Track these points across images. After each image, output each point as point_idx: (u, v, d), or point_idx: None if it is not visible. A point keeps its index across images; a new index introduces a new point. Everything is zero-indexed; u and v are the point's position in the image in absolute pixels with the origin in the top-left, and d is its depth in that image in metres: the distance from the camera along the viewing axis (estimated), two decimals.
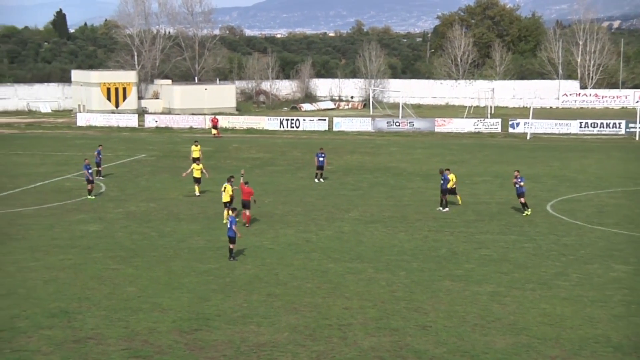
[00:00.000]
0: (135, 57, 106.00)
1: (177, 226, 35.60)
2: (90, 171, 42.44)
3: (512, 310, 23.93)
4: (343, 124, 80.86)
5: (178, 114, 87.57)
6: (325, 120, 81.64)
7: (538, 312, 23.76)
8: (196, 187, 42.81)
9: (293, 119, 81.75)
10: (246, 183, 36.67)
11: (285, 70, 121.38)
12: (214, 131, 74.93)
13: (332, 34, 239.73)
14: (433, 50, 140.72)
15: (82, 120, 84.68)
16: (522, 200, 38.06)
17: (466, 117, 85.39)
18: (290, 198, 42.72)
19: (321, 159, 47.86)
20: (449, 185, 39.42)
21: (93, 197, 42.25)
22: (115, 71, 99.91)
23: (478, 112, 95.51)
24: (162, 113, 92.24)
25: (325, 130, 79.62)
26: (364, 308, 24.02)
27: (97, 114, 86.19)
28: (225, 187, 36.47)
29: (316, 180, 48.00)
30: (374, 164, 56.28)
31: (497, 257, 30.36)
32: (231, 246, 29.68)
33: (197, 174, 42.77)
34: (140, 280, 26.99)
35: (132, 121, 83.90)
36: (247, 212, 35.85)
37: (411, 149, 65.28)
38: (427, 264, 29.16)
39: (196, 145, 50.51)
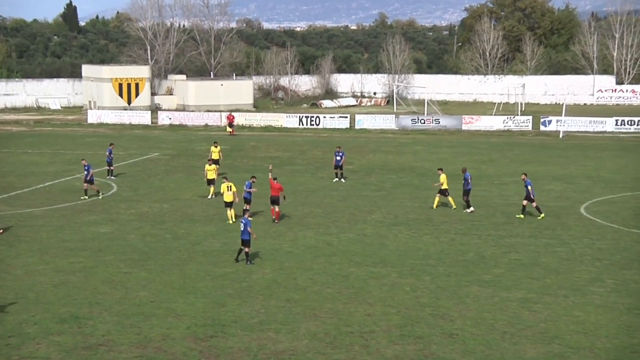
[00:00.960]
0: (149, 51, 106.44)
1: (192, 228, 35.73)
2: (90, 171, 42.47)
3: (544, 317, 23.83)
4: (365, 122, 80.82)
5: (193, 111, 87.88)
6: (346, 117, 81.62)
7: (571, 320, 23.65)
8: (211, 189, 42.88)
9: (313, 117, 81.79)
10: (275, 179, 37.80)
11: (305, 65, 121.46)
12: (229, 129, 75.14)
13: (354, 27, 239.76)
14: (460, 44, 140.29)
15: (93, 117, 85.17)
16: (534, 204, 37.91)
17: (495, 115, 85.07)
18: (310, 199, 42.77)
19: (338, 157, 47.90)
20: (440, 186, 39.60)
21: (87, 198, 42.52)
22: (128, 66, 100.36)
23: (508, 109, 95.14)
24: (176, 110, 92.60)
25: (346, 128, 79.62)
26: (387, 315, 24.00)
27: (108, 111, 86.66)
28: (229, 186, 36.47)
29: (335, 180, 48.04)
30: (398, 164, 56.22)
31: (527, 261, 30.24)
32: (246, 249, 29.71)
33: (211, 175, 42.84)
34: (154, 284, 27.11)
35: (144, 118, 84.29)
36: (277, 209, 36.98)
37: (437, 148, 65.12)
38: (454, 269, 29.09)
39: (216, 146, 50.07)
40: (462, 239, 33.76)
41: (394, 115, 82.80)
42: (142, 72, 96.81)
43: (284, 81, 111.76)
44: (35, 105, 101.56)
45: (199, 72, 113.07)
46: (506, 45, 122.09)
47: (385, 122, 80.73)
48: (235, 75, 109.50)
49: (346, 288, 26.69)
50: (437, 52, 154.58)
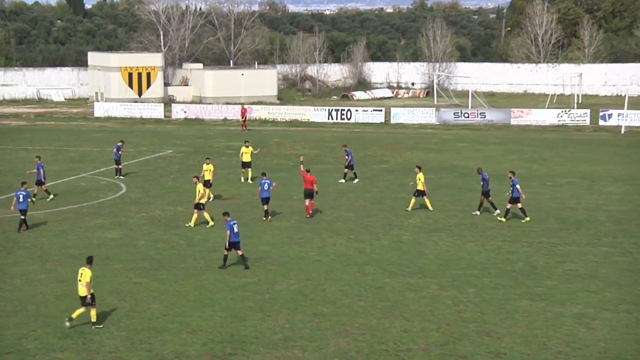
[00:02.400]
0: (161, 37, 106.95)
1: (209, 234, 35.85)
2: (42, 171, 42.65)
3: (603, 336, 23.68)
4: (402, 116, 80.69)
5: (210, 104, 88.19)
6: (381, 111, 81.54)
7: (633, 338, 23.48)
8: (206, 191, 43.04)
9: (344, 110, 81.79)
10: (308, 171, 38.81)
11: (335, 53, 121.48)
12: (241, 122, 74.93)
13: (390, 10, 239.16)
14: (509, 29, 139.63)
15: (99, 110, 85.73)
16: (519, 205, 38.02)
17: (548, 108, 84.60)
18: (340, 202, 42.77)
19: (346, 157, 48.01)
20: (418, 187, 39.88)
21: (34, 200, 42.29)
22: (138, 53, 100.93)
23: (562, 101, 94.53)
24: (192, 102, 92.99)
25: (381, 123, 79.55)
26: (426, 331, 23.96)
27: (117, 103, 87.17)
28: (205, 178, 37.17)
29: (342, 180, 48.03)
30: (439, 163, 56.08)
31: (584, 272, 30.06)
32: (240, 253, 30.34)
33: (208, 176, 42.86)
34: (166, 296, 27.23)
35: (157, 111, 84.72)
36: (311, 202, 38.33)
37: (482, 145, 64.87)
38: (501, 280, 28.97)
39: (247, 147, 48.33)
40: (511, 247, 33.61)
41: (434, 109, 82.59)
42: (154, 60, 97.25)
43: (312, 70, 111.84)
44: (36, 97, 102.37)
45: (217, 60, 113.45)
46: (561, 30, 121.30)
47: (424, 116, 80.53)
48: (258, 63, 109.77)
49: (380, 301, 26.67)
50: (483, 38, 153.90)
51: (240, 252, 30.50)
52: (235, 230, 30.30)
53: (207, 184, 41.98)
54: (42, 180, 42.87)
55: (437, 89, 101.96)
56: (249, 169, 48.00)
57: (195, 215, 37.11)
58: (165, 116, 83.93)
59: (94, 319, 24.33)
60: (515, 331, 23.94)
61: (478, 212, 39.62)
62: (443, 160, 56.92)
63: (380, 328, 24.18)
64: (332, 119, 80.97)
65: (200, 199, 36.96)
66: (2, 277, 29.47)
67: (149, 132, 73.33)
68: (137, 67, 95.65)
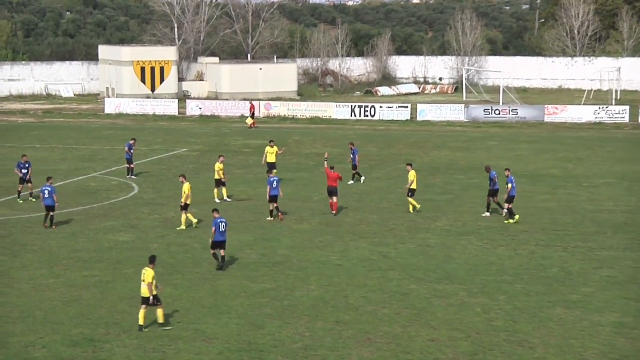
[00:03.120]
0: (176, 29, 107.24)
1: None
2: (24, 170, 43.14)
3: None
4: (429, 112, 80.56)
5: (226, 100, 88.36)
6: (407, 107, 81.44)
7: None
8: (216, 190, 43.16)
9: (367, 106, 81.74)
10: (332, 167, 39.53)
11: (359, 46, 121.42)
12: (250, 120, 74.82)
13: (416, 1, 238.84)
14: (543, 21, 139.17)
15: (110, 106, 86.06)
16: (509, 205, 38.30)
17: (584, 104, 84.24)
18: (364, 203, 42.76)
19: (351, 155, 47.86)
20: (410, 186, 40.15)
21: (21, 201, 43.13)
22: (151, 47, 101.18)
23: (600, 97, 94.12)
24: (208, 98, 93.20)
25: (406, 120, 79.45)
26: (454, 340, 23.92)
27: (128, 99, 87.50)
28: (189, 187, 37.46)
29: (350, 182, 47.90)
30: (468, 162, 55.96)
31: (622, 279, 29.92)
32: (222, 252, 30.72)
33: (218, 175, 42.99)
34: (180, 302, 27.30)
35: (171, 108, 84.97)
36: (335, 199, 39.13)
37: (514, 144, 64.69)
38: (534, 287, 28.89)
39: (272, 146, 48.01)
40: (544, 252, 33.51)
41: (462, 105, 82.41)
42: (167, 54, 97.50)
43: (334, 64, 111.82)
44: (44, 93, 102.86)
45: (234, 53, 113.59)
46: (598, 22, 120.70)
47: (452, 112, 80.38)
48: (277, 57, 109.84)
49: (405, 308, 26.64)
50: (515, 30, 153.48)
51: (222, 253, 30.88)
52: (222, 229, 30.77)
53: (271, 166, 44.80)
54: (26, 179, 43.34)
55: (466, 84, 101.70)
56: (274, 171, 47.33)
57: (183, 217, 37.32)
58: (179, 113, 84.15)
59: (161, 320, 24.69)
60: (548, 341, 23.85)
61: (487, 214, 39.70)
62: (472, 160, 56.78)
63: (406, 337, 24.15)
64: (355, 115, 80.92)
65: (185, 200, 37.10)
66: (9, 281, 29.64)
67: (162, 130, 73.55)
68: (150, 61, 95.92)
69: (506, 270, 30.98)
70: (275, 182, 38.59)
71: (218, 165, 42.85)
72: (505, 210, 38.98)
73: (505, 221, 38.31)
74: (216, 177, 43.04)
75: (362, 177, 48.49)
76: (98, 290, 28.48)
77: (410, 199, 40.56)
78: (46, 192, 37.24)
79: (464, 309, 26.59)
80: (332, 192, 39.49)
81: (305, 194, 44.68)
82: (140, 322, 24.54)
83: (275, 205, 38.77)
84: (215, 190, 43.20)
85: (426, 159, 57.31)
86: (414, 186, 40.28)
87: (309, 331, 24.59)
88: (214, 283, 29.28)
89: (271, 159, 47.53)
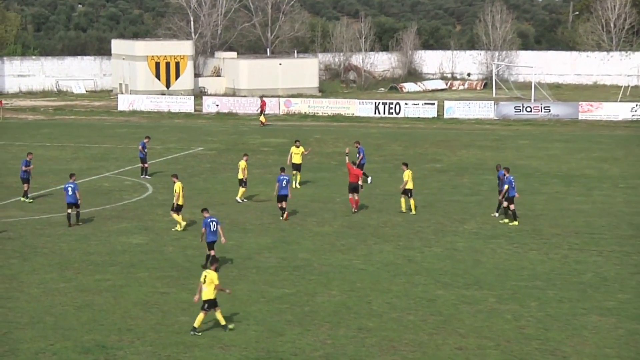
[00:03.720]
0: (192, 23, 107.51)
1: (243, 239, 35.99)
2: (26, 168, 43.55)
3: None
4: (457, 110, 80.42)
5: (245, 96, 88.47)
6: (433, 104, 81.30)
7: None
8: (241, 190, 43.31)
9: (392, 103, 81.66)
10: (353, 163, 40.24)
11: (383, 40, 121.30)
12: (262, 118, 74.74)
13: None
14: (577, 13, 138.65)
15: (124, 103, 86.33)
16: (507, 204, 38.51)
17: (621, 101, 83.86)
18: (388, 205, 42.73)
19: (357, 155, 47.51)
20: (405, 186, 40.27)
21: (30, 200, 43.50)
22: (167, 41, 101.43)
23: (637, 93, 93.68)
24: (225, 95, 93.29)
25: (433, 118, 79.33)
26: (483, 349, 23.88)
27: (143, 96, 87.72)
28: (182, 187, 37.61)
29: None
30: (497, 162, 55.65)
31: None
32: (211, 252, 31.12)
33: (241, 174, 43.03)
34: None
35: (186, 105, 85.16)
36: (356, 197, 39.77)
37: (546, 143, 64.50)
38: (567, 293, 28.80)
39: (298, 146, 47.55)
40: (578, 256, 33.40)
41: (492, 102, 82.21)
42: (183, 48, 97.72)
43: (357, 60, 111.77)
44: (55, 89, 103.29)
45: (252, 48, 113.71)
46: (636, 14, 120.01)
47: (481, 110, 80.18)
48: (297, 52, 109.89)
49: (432, 315, 26.62)
50: (548, 23, 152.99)
51: (212, 252, 31.30)
52: (213, 228, 31.28)
53: (297, 167, 45.55)
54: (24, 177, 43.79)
55: (496, 80, 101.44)
56: (299, 173, 47.41)
57: (177, 217, 37.53)
58: (195, 110, 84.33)
59: (223, 322, 25.05)
60: (582, 350, 23.78)
61: (497, 214, 39.76)
62: (502, 159, 56.53)
63: (432, 345, 24.12)
64: (379, 113, 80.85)
65: (177, 200, 37.27)
66: (18, 285, 29.80)
67: (177, 128, 73.74)
68: (165, 56, 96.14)
69: (538, 275, 30.89)
70: (285, 181, 39.06)
71: (242, 164, 42.90)
72: (496, 213, 39.34)
73: (509, 223, 38.35)
74: (240, 176, 43.01)
75: (369, 178, 48.09)
76: (111, 295, 28.59)
77: (403, 199, 40.69)
78: (69, 189, 38.03)
79: (493, 316, 26.53)
80: (354, 188, 40.06)
81: (327, 195, 44.70)
82: (196, 324, 24.90)
83: (283, 205, 39.20)
84: (241, 190, 43.19)
85: (454, 158, 57.21)
86: (409, 186, 40.40)
87: (330, 339, 24.60)
88: (232, 288, 29.29)
89: (297, 159, 47.21)
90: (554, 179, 50.00)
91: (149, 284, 29.81)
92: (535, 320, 26.18)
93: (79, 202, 38.27)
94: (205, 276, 25.12)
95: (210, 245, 31.46)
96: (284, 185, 38.93)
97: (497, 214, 39.73)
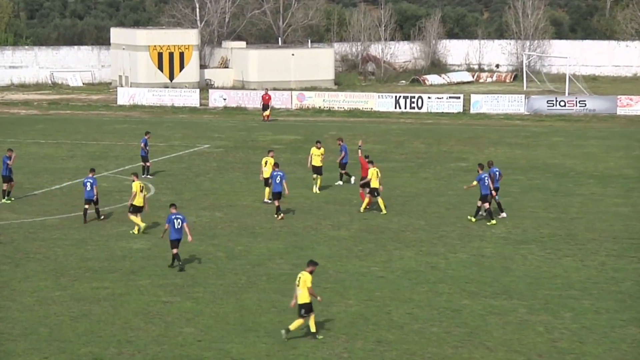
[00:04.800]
0: (197, 10, 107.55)
1: (252, 244, 36.03)
2: (7, 164, 43.82)
3: None
4: (485, 104, 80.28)
5: (254, 89, 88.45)
6: (459, 98, 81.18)
7: None
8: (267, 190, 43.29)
9: (414, 97, 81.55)
10: (367, 157, 40.86)
11: (404, 29, 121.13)
12: (265, 112, 74.51)
13: None
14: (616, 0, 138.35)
15: (124, 97, 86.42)
16: (487, 205, 39.32)
17: None
18: (409, 207, 42.71)
19: (341, 152, 47.31)
20: (371, 183, 40.75)
21: (8, 201, 43.68)
22: (170, 30, 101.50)
23: None
24: (233, 88, 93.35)
25: (458, 113, 79.20)
26: None
27: (144, 89, 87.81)
28: (141, 187, 37.90)
29: (340, 182, 47.66)
30: (529, 161, 55.73)
31: None
32: (174, 251, 31.99)
33: (267, 173, 42.93)
34: (202, 318, 27.41)
35: (191, 99, 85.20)
36: (367, 191, 40.44)
37: (582, 140, 64.36)
38: (604, 303, 28.75)
39: (319, 147, 46.38)
40: (616, 263, 33.33)
41: (523, 96, 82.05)
42: (188, 37, 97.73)
43: (376, 50, 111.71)
44: (49, 81, 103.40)
45: (263, 37, 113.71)
46: None
47: (511, 104, 80.00)
48: (311, 41, 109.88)
49: (457, 326, 26.60)
50: (584, 11, 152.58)
51: (175, 251, 32.21)
52: (177, 226, 32.12)
53: (317, 171, 44.79)
54: (7, 175, 44.07)
55: (527, 72, 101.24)
56: (319, 177, 46.36)
57: (135, 219, 37.82)
58: (201, 104, 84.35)
59: (314, 329, 25.47)
60: None
61: (504, 214, 40.47)
62: (534, 158, 56.54)
63: (457, 359, 24.09)
64: (400, 107, 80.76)
65: (132, 200, 37.65)
66: (10, 294, 29.88)
67: (182, 123, 73.81)
68: (169, 46, 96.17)
69: (572, 284, 30.84)
70: (279, 177, 39.60)
71: (270, 161, 42.82)
72: (483, 212, 39.92)
73: (488, 223, 39.10)
74: (266, 175, 42.76)
75: (352, 178, 47.64)
76: (109, 305, 28.65)
77: (379, 200, 41.16)
78: (88, 184, 39.14)
79: (523, 328, 26.50)
80: (366, 183, 40.86)
81: (343, 197, 44.68)
82: (292, 327, 25.48)
83: (277, 203, 39.87)
84: (267, 189, 43.08)
85: (481, 157, 57.03)
86: (375, 185, 40.79)
87: (347, 352, 24.61)
88: (240, 297, 29.36)
89: (317, 161, 45.97)
90: (590, 179, 49.85)
91: (150, 293, 29.86)
92: (570, 332, 26.14)
93: (95, 197, 39.42)
94: (299, 278, 25.61)
95: (174, 244, 32.26)
96: (277, 181, 39.60)
97: (504, 214, 40.47)
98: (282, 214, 39.94)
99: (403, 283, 30.92)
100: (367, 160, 41.18)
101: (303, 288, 25.39)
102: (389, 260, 33.73)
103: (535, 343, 25.26)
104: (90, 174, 39.78)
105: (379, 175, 40.75)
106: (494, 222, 38.94)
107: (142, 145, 50.12)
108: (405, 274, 31.95)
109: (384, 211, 40.81)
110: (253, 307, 28.32)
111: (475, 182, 39.67)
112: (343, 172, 47.83)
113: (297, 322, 25.44)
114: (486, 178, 39.34)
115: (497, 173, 40.96)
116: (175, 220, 32.12)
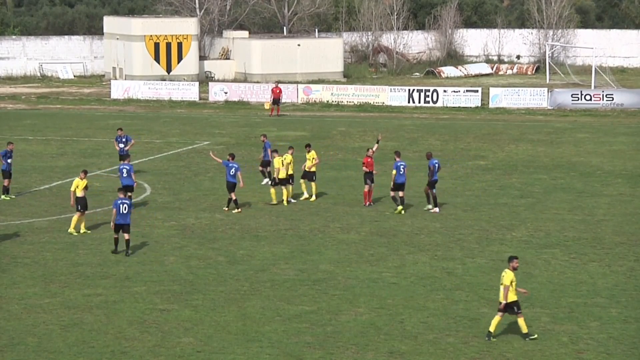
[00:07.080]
0: None
1: (255, 248, 36.04)
2: (9, 160, 44.28)
3: None
4: (504, 98, 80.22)
5: (258, 82, 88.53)
6: (477, 91, 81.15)
7: None
8: (284, 191, 43.16)
9: (428, 90, 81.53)
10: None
11: (419, 17, 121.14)
12: (271, 106, 74.07)
13: None
14: None
15: (118, 90, 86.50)
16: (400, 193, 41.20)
17: None
18: (423, 208, 42.68)
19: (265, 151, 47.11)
20: (306, 166, 43.16)
21: (8, 198, 44.16)
22: (167, 18, 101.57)
23: None
24: (235, 80, 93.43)
25: (476, 107, 79.16)
26: None
27: (140, 82, 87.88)
28: (86, 186, 38.52)
29: (266, 180, 47.34)
30: (552, 159, 55.69)
31: None
32: (126, 236, 34.49)
33: (283, 174, 42.88)
34: (201, 327, 27.42)
35: (190, 92, 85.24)
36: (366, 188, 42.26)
37: (609, 137, 64.30)
38: (633, 312, 28.72)
39: (309, 151, 44.54)
40: None
41: (546, 89, 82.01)
42: (187, 27, 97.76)
43: (388, 40, 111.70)
44: (38, 74, 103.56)
45: (266, 27, 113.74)
46: None
47: (533, 98, 79.97)
48: (318, 31, 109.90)
49: (475, 337, 26.59)
50: None
51: (126, 237, 33.93)
52: (123, 210, 33.73)
53: (285, 181, 43.44)
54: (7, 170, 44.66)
55: (549, 64, 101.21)
56: (313, 183, 45.46)
57: (75, 219, 38.24)
58: (200, 98, 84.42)
59: (525, 330, 26.00)
60: None
61: (436, 209, 41.91)
62: (557, 156, 56.49)
63: None
64: (414, 102, 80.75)
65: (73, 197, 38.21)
66: None
67: (180, 119, 73.88)
68: (166, 35, 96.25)
69: (599, 291, 30.81)
70: (234, 169, 41.23)
71: (288, 158, 42.80)
72: (429, 206, 41.78)
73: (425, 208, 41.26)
74: (282, 175, 42.59)
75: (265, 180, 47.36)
76: (102, 313, 28.67)
77: (312, 184, 43.47)
78: (125, 170, 40.55)
79: (546, 338, 26.49)
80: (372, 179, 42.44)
81: (353, 197, 44.67)
82: (524, 330, 26.09)
83: (233, 196, 41.42)
84: (284, 190, 43.02)
85: (501, 154, 57.08)
86: (312, 168, 43.18)
87: None
88: (242, 304, 29.37)
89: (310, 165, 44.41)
90: (618, 178, 49.80)
91: (146, 300, 29.88)
92: (596, 343, 26.12)
93: (135, 185, 41.07)
94: (503, 276, 26.20)
95: (124, 228, 34.04)
96: (232, 173, 41.23)
97: (430, 206, 41.86)
98: (239, 208, 41.55)
99: (417, 290, 30.91)
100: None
101: (503, 286, 26.20)
102: (402, 266, 33.72)
103: (559, 355, 25.25)
104: (126, 160, 41.74)
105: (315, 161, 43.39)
106: (400, 208, 40.86)
107: (117, 142, 49.98)
108: (419, 280, 31.95)
109: (311, 199, 43.58)
110: (256, 316, 28.33)
111: (394, 171, 41.07)
112: (263, 169, 47.53)
113: (521, 322, 26.20)
114: (402, 166, 41.02)
115: (437, 165, 42.09)
116: (121, 205, 34.16)
